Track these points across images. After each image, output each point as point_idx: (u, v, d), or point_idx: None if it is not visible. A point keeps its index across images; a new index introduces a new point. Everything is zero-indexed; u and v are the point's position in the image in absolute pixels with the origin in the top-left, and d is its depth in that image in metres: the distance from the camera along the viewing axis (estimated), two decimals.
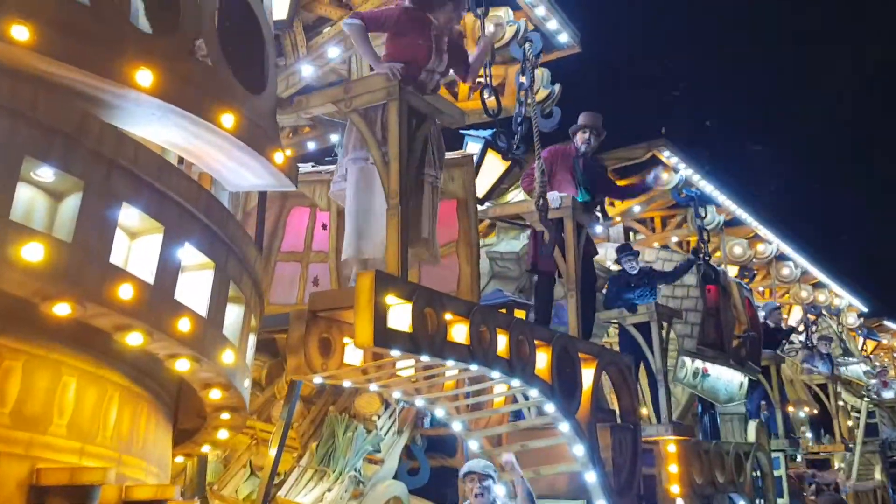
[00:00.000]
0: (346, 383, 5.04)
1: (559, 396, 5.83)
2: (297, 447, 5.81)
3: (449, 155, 5.50)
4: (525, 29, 8.08)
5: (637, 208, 11.40)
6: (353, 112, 4.86)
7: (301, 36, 6.27)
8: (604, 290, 9.58)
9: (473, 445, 6.40)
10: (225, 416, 4.18)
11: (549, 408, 5.84)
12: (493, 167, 7.92)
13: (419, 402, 5.70)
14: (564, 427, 6.03)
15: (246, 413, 4.24)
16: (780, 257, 16.49)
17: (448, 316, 4.69)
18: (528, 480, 6.73)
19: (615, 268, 9.73)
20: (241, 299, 3.99)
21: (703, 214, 10.20)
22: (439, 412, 5.94)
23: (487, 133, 8.38)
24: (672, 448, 9.15)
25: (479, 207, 7.93)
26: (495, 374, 5.15)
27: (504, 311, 7.53)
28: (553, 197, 7.18)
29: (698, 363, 9.91)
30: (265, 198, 5.47)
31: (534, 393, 5.63)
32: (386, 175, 4.63)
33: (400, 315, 4.26)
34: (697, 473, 9.49)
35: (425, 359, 4.44)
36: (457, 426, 6.19)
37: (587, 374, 6.48)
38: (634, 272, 9.52)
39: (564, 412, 5.91)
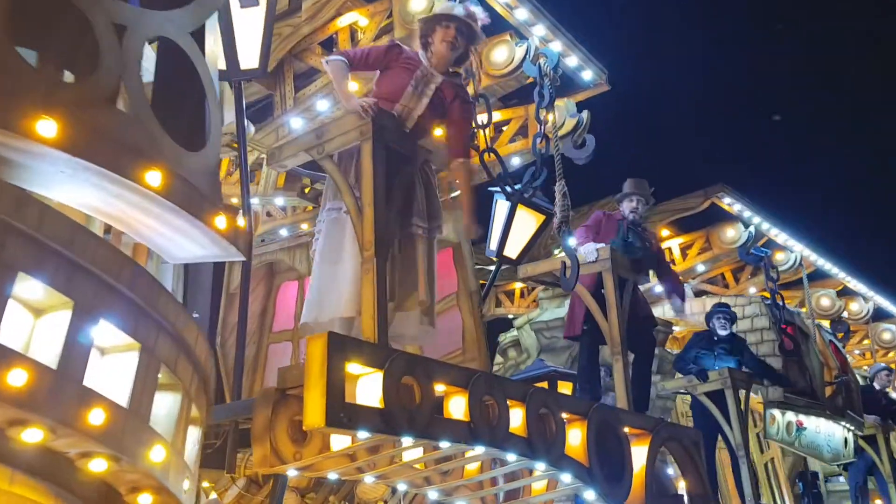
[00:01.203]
0: (332, 475, 4.25)
1: (600, 481, 4.88)
2: None
3: None
4: (536, 47, 7.38)
5: (701, 267, 10.33)
6: (326, 158, 4.26)
7: (290, 86, 5.84)
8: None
9: None
10: None
11: (589, 495, 4.89)
12: (526, 224, 7.18)
13: (432, 494, 4.85)
14: (589, 497, 5.04)
15: None
16: (879, 315, 14.87)
17: (440, 387, 3.90)
18: None
19: (678, 326, 8.68)
20: (176, 386, 3.34)
21: (776, 277, 9.07)
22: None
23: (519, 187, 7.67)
24: None
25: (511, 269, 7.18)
26: (511, 457, 4.29)
27: (545, 385, 6.66)
28: (588, 249, 6.36)
29: (790, 416, 8.64)
30: (248, 274, 4.91)
31: (567, 478, 4.71)
32: (359, 223, 3.96)
33: (369, 388, 3.51)
34: None
35: (407, 441, 3.64)
36: None
37: (639, 452, 5.50)
38: (725, 333, 8.45)
39: (609, 500, 4.94)
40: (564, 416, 4.82)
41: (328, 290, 4.20)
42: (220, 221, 3.17)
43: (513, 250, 7.55)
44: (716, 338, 8.26)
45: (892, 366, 13.24)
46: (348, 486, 5.32)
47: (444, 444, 3.87)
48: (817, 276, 11.70)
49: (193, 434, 3.51)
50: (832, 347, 9.93)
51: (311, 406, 3.20)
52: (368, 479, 4.42)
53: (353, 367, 3.45)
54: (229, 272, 5.61)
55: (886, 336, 15.45)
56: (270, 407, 3.83)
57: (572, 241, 6.29)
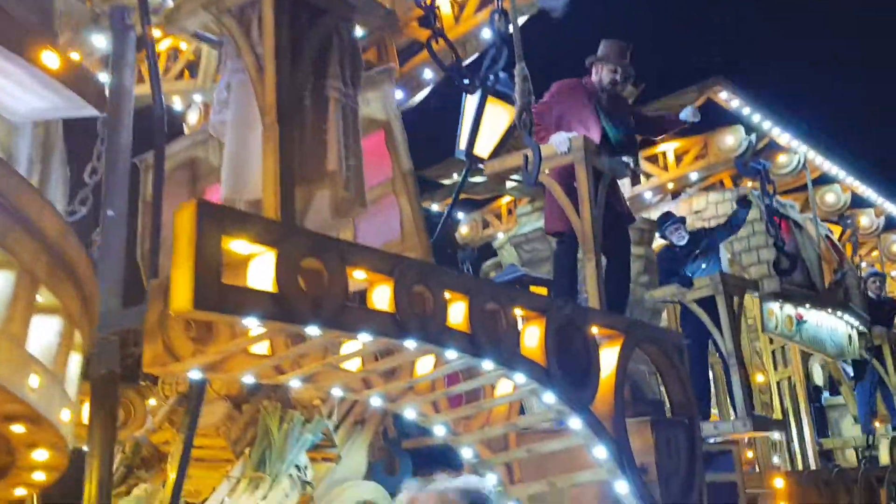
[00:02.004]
0: (248, 378, 3.78)
1: (560, 383, 4.39)
2: (232, 458, 4.59)
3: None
4: None
5: (695, 175, 9.61)
6: (226, 14, 3.64)
7: None
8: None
9: (467, 454, 5.03)
10: (40, 454, 3.03)
11: (548, 398, 4.41)
12: (498, 119, 6.53)
13: (375, 399, 4.38)
14: (575, 423, 4.57)
15: (67, 450, 3.08)
16: (890, 225, 14.14)
17: (360, 273, 3.37)
18: (542, 494, 5.30)
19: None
20: (55, 307, 2.83)
21: (772, 191, 8.36)
22: (409, 412, 4.60)
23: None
24: (779, 483, 7.49)
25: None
26: (450, 354, 3.79)
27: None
28: (559, 140, 5.73)
29: (788, 309, 8.13)
30: (161, 175, 4.32)
31: (520, 379, 4.22)
32: (259, 84, 3.37)
33: (264, 270, 2.98)
34: None
35: (313, 331, 3.13)
36: (439, 430, 4.83)
37: (609, 354, 5.00)
38: (684, 241, 7.89)
39: (572, 404, 4.46)
40: (519, 312, 4.31)
41: (245, 160, 3.63)
42: (50, 58, 2.59)
43: (484, 149, 6.96)
44: (678, 248, 7.70)
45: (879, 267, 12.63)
46: (285, 388, 4.85)
47: (365, 338, 3.36)
48: (823, 182, 11.01)
49: (75, 360, 3.03)
50: (829, 242, 9.35)
51: (178, 287, 2.67)
52: (294, 382, 3.95)
53: (238, 245, 2.91)
54: (145, 178, 5.06)
55: None
56: (163, 299, 3.31)
57: (558, 138, 5.62)
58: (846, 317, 9.22)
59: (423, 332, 3.53)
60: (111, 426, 4.50)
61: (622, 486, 4.75)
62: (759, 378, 9.16)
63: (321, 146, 3.49)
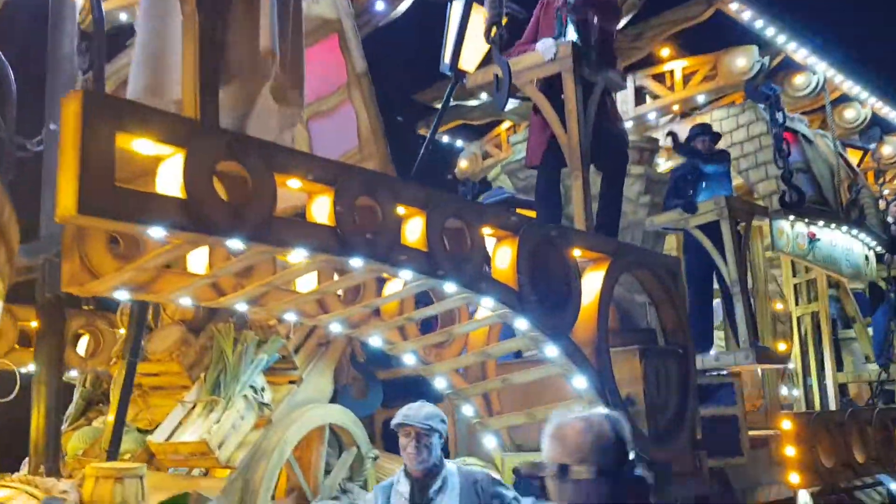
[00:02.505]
0: (185, 300, 3.47)
1: (535, 308, 4.04)
2: (190, 385, 4.34)
3: None
4: None
5: (702, 98, 9.02)
6: None
7: None
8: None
9: (440, 384, 4.73)
10: None
11: (521, 324, 4.07)
12: (481, 31, 6.04)
13: (335, 326, 4.07)
14: (551, 351, 4.25)
15: None
16: None
17: (294, 182, 3.01)
18: (520, 427, 5.02)
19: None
20: None
21: (781, 120, 7.74)
22: (374, 340, 4.29)
23: None
24: (787, 424, 7.13)
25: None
26: (405, 275, 3.45)
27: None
28: (545, 46, 5.27)
29: (800, 228, 7.68)
30: (102, 86, 3.93)
31: (488, 303, 3.88)
32: None
33: (171, 173, 2.63)
34: (826, 454, 7.45)
35: (236, 245, 2.79)
36: (408, 359, 4.53)
37: (593, 278, 4.64)
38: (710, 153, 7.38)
39: (547, 330, 4.13)
40: (488, 231, 3.94)
41: (163, 53, 3.23)
42: None
43: (470, 62, 6.49)
44: (700, 162, 7.19)
45: None
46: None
47: (300, 254, 3.02)
48: (843, 103, 10.38)
49: None
50: (841, 159, 8.83)
51: (63, 190, 2.32)
52: (239, 306, 3.64)
53: (142, 145, 2.55)
54: None
55: None
56: None
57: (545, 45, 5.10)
58: (862, 236, 8.72)
59: (370, 249, 3.18)
60: (58, 352, 4.26)
61: None
62: (777, 306, 8.77)
63: (252, 31, 3.08)
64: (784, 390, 9.07)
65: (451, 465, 3.65)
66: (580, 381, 4.35)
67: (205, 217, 2.61)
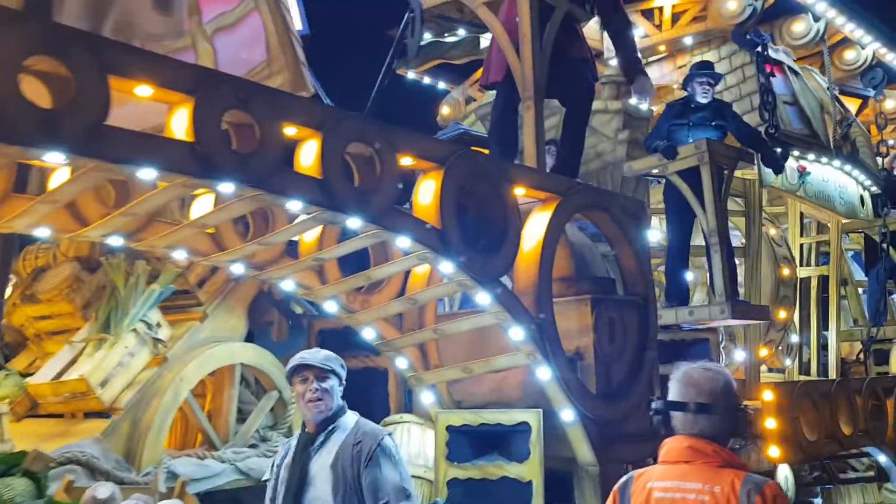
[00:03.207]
0: (42, 231, 3.03)
1: (462, 250, 3.58)
2: (81, 324, 3.93)
3: None
4: None
5: (689, 40, 8.42)
6: None
7: None
8: None
9: (369, 334, 4.31)
10: None
11: (446, 267, 3.62)
12: None
13: (237, 267, 3.63)
14: (482, 299, 3.80)
15: None
16: None
17: (144, 90, 2.53)
18: (460, 382, 4.61)
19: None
20: None
21: (770, 72, 7.11)
22: (286, 284, 3.85)
23: None
24: (769, 395, 6.66)
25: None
26: (293, 205, 2.98)
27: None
28: None
29: (789, 161, 7.16)
30: None
31: (403, 242, 3.42)
32: None
33: None
34: (810, 427, 6.99)
35: (56, 159, 2.33)
36: (329, 305, 4.09)
37: (538, 220, 4.18)
38: (705, 101, 6.80)
39: (477, 275, 3.68)
40: (408, 161, 3.47)
41: None
42: None
43: None
44: (693, 105, 6.61)
45: None
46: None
47: (148, 174, 2.56)
48: (843, 45, 9.72)
49: None
50: (832, 97, 8.25)
51: None
52: (113, 240, 3.19)
53: None
54: None
55: None
56: None
57: None
58: (856, 173, 8.18)
59: (241, 171, 2.71)
60: None
61: (544, 373, 4.03)
62: (784, 272, 8.29)
63: None
64: (787, 361, 8.69)
65: (349, 419, 3.21)
66: (517, 332, 3.91)
67: (9, 122, 2.15)
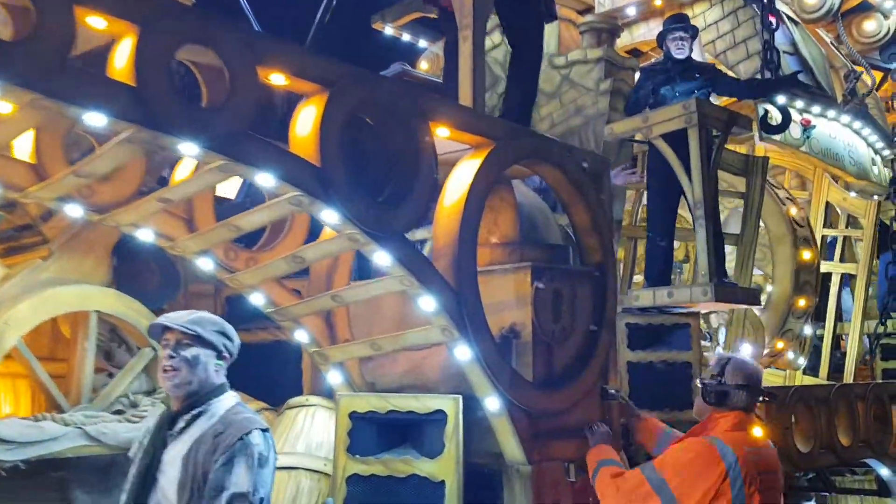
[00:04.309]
0: None
1: (349, 196, 2.87)
2: None
3: None
4: None
5: None
6: None
7: None
8: None
9: (257, 299, 3.61)
10: None
11: (329, 216, 2.91)
12: None
13: (73, 208, 2.94)
14: (381, 258, 3.08)
15: None
16: None
17: None
18: (373, 361, 3.90)
19: None
20: None
21: (774, 24, 6.32)
22: (144, 234, 3.15)
23: None
24: None
25: None
26: (96, 118, 2.28)
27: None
28: None
29: (792, 114, 6.40)
30: None
31: (265, 180, 2.71)
32: None
33: None
34: (804, 437, 6.25)
35: None
36: (204, 263, 3.39)
37: (464, 169, 3.45)
38: (682, 56, 6.03)
39: (370, 228, 2.97)
40: (278, 77, 2.75)
41: None
42: None
43: None
44: (671, 63, 5.85)
45: None
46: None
47: None
48: (863, 12, 8.87)
49: None
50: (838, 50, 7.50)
51: None
52: None
53: None
54: None
55: None
56: None
57: None
58: (866, 132, 7.35)
59: (23, 73, 2.01)
60: None
61: (462, 353, 3.32)
62: (805, 255, 7.56)
63: None
64: (798, 359, 7.97)
65: (224, 404, 2.55)
66: (428, 303, 3.20)
67: None
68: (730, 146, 8.11)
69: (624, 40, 7.44)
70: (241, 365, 4.51)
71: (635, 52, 7.72)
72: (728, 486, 2.93)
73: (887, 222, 8.17)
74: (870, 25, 8.70)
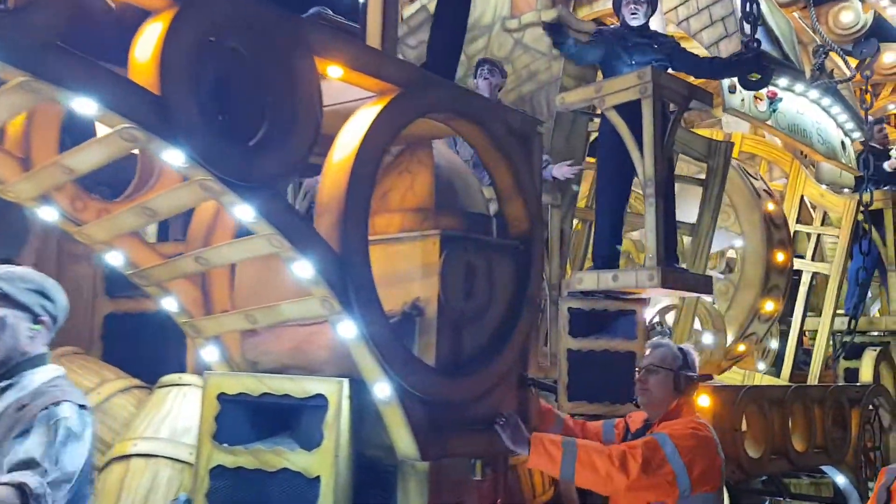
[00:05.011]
0: None
1: (197, 132, 2.38)
2: None
3: None
4: None
5: None
6: None
7: None
8: None
9: (115, 258, 3.10)
10: None
11: (172, 157, 2.41)
12: None
13: None
14: (243, 212, 2.59)
15: None
16: None
17: None
18: (256, 337, 3.43)
19: None
20: None
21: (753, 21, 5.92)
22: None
23: None
24: (704, 401, 5.49)
25: None
26: None
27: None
28: None
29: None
30: None
31: (85, 105, 2.21)
32: None
33: None
34: (754, 441, 5.87)
35: None
36: (47, 213, 2.89)
37: (360, 119, 2.97)
38: (637, 23, 5.58)
39: (227, 174, 2.48)
40: None
41: None
42: None
43: None
44: (627, 30, 5.40)
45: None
46: None
47: None
48: (840, 2, 8.45)
49: None
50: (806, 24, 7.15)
51: None
52: None
53: None
54: None
55: None
56: None
57: None
58: (835, 111, 7.08)
59: None
60: None
61: (347, 329, 2.84)
62: (779, 257, 7.20)
63: None
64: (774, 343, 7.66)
65: (40, 377, 2.10)
66: (304, 268, 2.72)
67: None
68: (697, 129, 7.73)
69: (584, 12, 7.00)
70: (123, 337, 4.02)
71: (598, 23, 7.29)
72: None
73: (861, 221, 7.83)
74: (847, 17, 8.31)
